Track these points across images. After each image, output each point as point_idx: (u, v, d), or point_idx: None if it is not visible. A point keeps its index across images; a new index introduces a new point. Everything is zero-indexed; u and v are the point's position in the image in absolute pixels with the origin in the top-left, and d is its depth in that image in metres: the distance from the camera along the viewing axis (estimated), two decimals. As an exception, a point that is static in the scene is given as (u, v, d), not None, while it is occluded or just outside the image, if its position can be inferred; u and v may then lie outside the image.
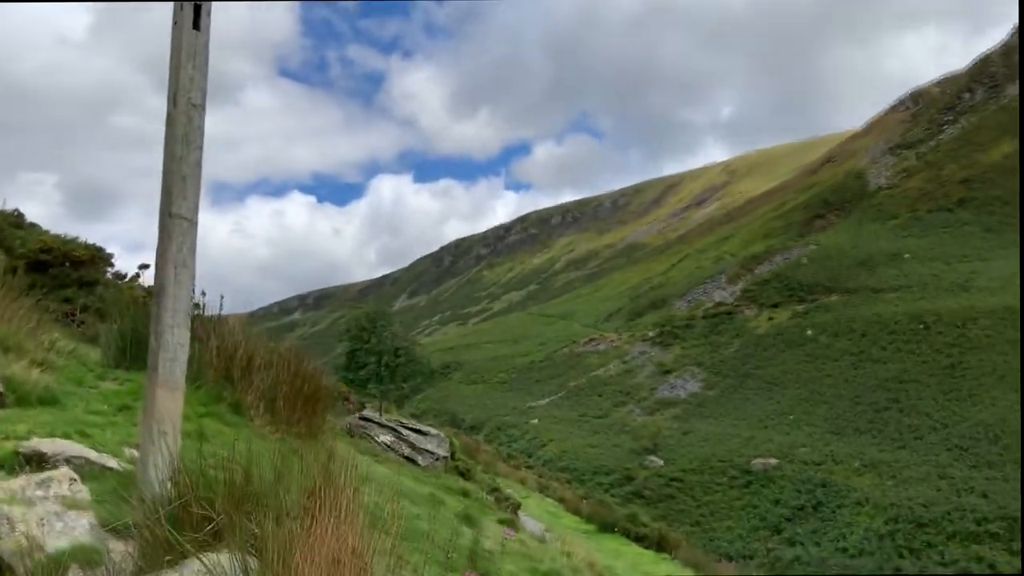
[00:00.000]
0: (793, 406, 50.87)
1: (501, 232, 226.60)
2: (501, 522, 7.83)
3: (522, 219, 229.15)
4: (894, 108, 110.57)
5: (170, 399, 2.88)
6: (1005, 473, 35.96)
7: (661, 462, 48.15)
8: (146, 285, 12.37)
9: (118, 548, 2.57)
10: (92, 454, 3.42)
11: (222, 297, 6.52)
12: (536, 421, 60.90)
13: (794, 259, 72.43)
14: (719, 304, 71.22)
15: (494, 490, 11.82)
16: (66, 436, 3.68)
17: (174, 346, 3.00)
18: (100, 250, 12.25)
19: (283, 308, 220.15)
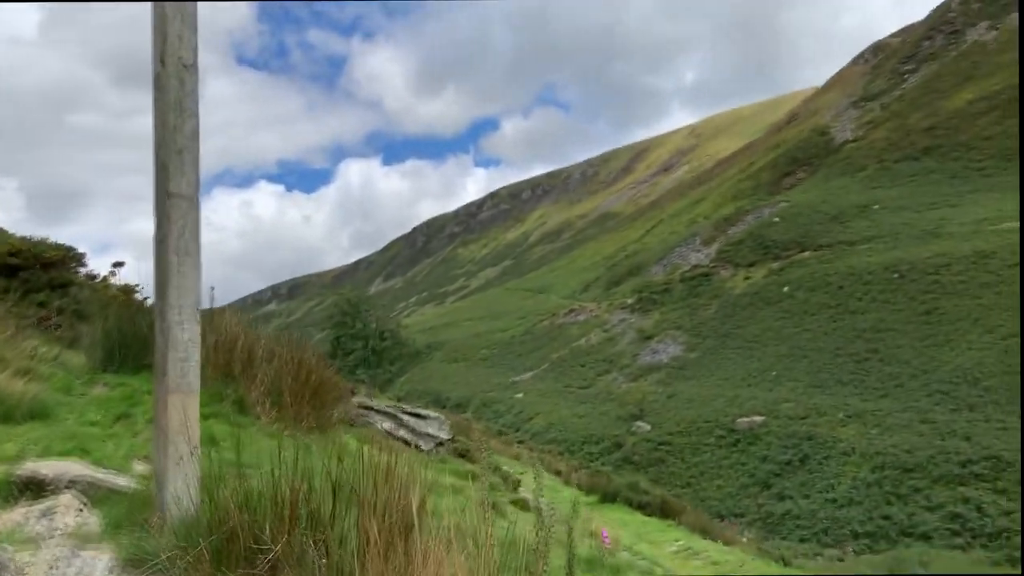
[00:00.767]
0: (775, 363, 51.33)
1: (473, 209, 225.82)
2: (514, 503, 7.65)
3: (493, 195, 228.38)
4: (855, 62, 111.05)
5: (185, 406, 2.50)
6: (986, 414, 36.57)
7: (648, 427, 48.48)
8: (120, 284, 11.91)
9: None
10: (97, 473, 3.00)
11: (212, 288, 6.22)
12: (521, 395, 61.00)
13: (766, 218, 72.78)
14: (695, 267, 71.53)
15: (496, 468, 11.64)
16: (64, 454, 3.28)
17: (184, 344, 2.60)
18: (71, 250, 11.81)
19: (256, 300, 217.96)
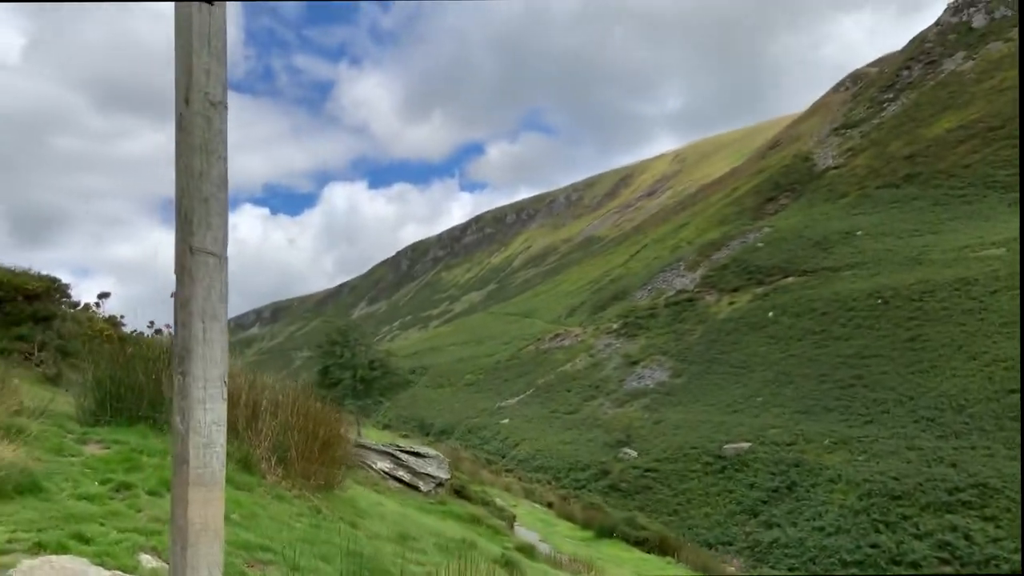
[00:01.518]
0: (760, 388, 51.28)
1: (457, 233, 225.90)
2: (521, 552, 7.40)
3: (477, 219, 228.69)
4: (835, 90, 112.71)
5: (208, 501, 2.12)
6: (972, 442, 36.61)
7: (635, 453, 48.16)
8: (105, 316, 11.60)
9: None
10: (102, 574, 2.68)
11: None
12: (507, 421, 60.54)
13: (750, 243, 73.14)
14: (680, 292, 71.63)
15: (486, 504, 11.39)
16: (61, 546, 2.91)
17: (208, 427, 2.20)
18: (55, 281, 11.50)
19: (239, 323, 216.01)
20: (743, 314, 62.08)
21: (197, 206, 2.29)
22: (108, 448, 4.59)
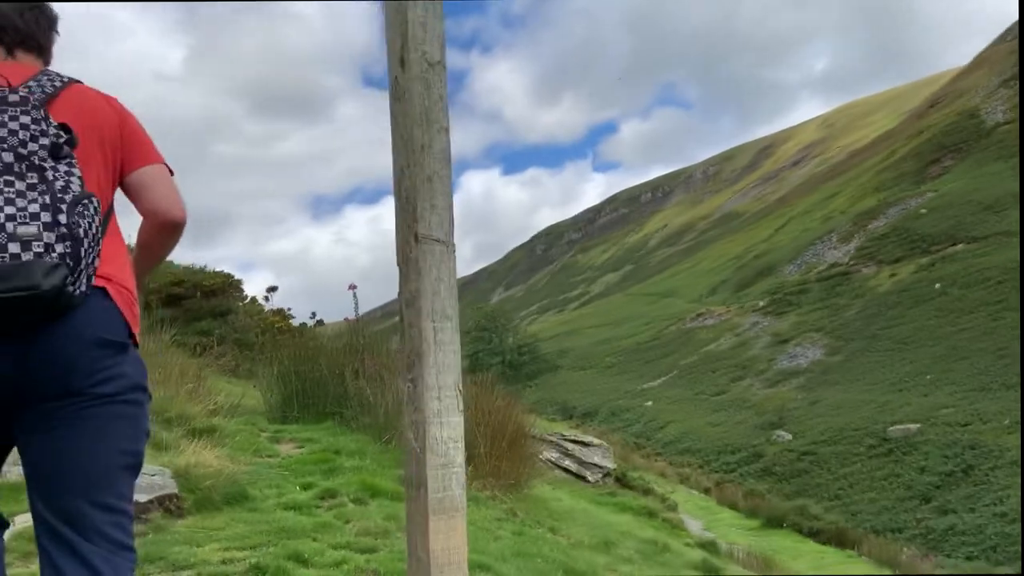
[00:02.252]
0: (930, 365, 47.71)
1: (591, 215, 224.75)
2: (703, 547, 7.01)
3: (611, 200, 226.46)
4: (999, 41, 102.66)
5: (451, 530, 1.77)
6: None
7: (789, 436, 46.10)
8: (274, 309, 12.05)
9: None
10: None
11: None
12: (651, 403, 59.60)
13: (912, 210, 68.04)
14: (833, 265, 67.82)
15: (647, 492, 10.99)
16: (281, 571, 2.71)
17: (445, 444, 1.84)
18: (229, 277, 12.06)
19: (386, 312, 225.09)
20: (906, 287, 57.92)
21: (420, 186, 1.96)
22: (302, 447, 4.55)
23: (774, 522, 15.73)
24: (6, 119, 1.70)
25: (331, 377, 4.98)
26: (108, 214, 1.88)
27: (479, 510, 3.51)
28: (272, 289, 11.92)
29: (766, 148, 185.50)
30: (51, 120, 1.73)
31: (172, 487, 3.27)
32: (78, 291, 1.67)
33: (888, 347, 52.20)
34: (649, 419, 56.38)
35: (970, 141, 78.91)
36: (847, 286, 63.31)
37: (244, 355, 9.63)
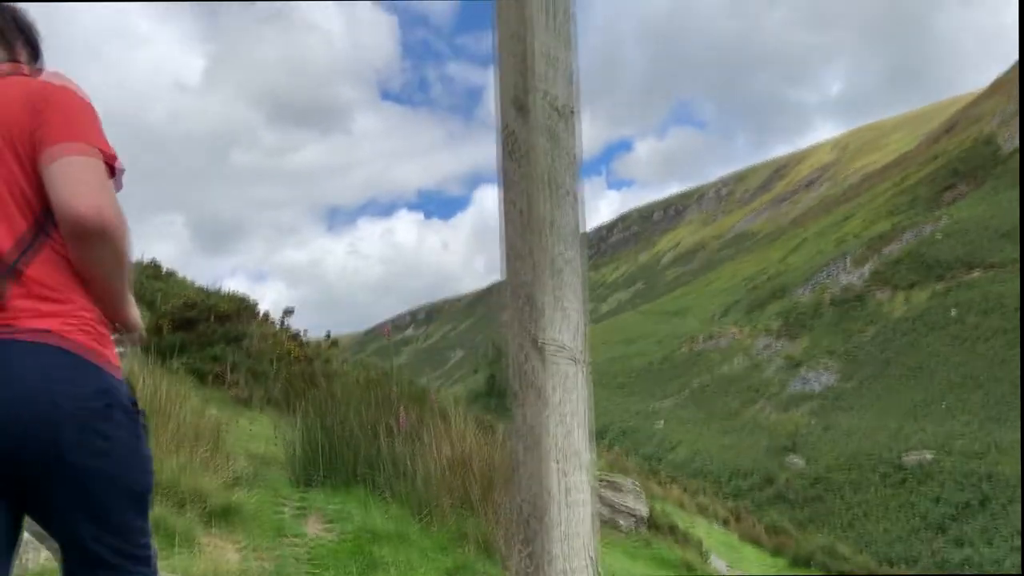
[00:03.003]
0: (944, 393, 47.19)
1: (603, 232, 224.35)
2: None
3: (623, 217, 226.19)
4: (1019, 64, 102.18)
5: None
6: None
7: (802, 461, 45.63)
8: (292, 333, 11.91)
9: None
10: None
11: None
12: (662, 424, 59.19)
13: (927, 235, 67.56)
14: (847, 288, 67.33)
15: (680, 538, 10.77)
16: None
17: (579, 508, 1.35)
18: (244, 300, 11.93)
19: (396, 325, 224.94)
20: (921, 312, 57.43)
21: (544, 278, 1.39)
22: (331, 524, 4.05)
23: (800, 561, 15.33)
24: None
25: (362, 435, 4.56)
26: (37, 231, 1.43)
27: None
28: (289, 312, 11.81)
29: (779, 169, 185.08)
30: None
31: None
32: None
33: (902, 373, 51.69)
34: (660, 440, 55.95)
35: (986, 168, 78.49)
36: (861, 310, 62.83)
37: (258, 383, 9.50)
